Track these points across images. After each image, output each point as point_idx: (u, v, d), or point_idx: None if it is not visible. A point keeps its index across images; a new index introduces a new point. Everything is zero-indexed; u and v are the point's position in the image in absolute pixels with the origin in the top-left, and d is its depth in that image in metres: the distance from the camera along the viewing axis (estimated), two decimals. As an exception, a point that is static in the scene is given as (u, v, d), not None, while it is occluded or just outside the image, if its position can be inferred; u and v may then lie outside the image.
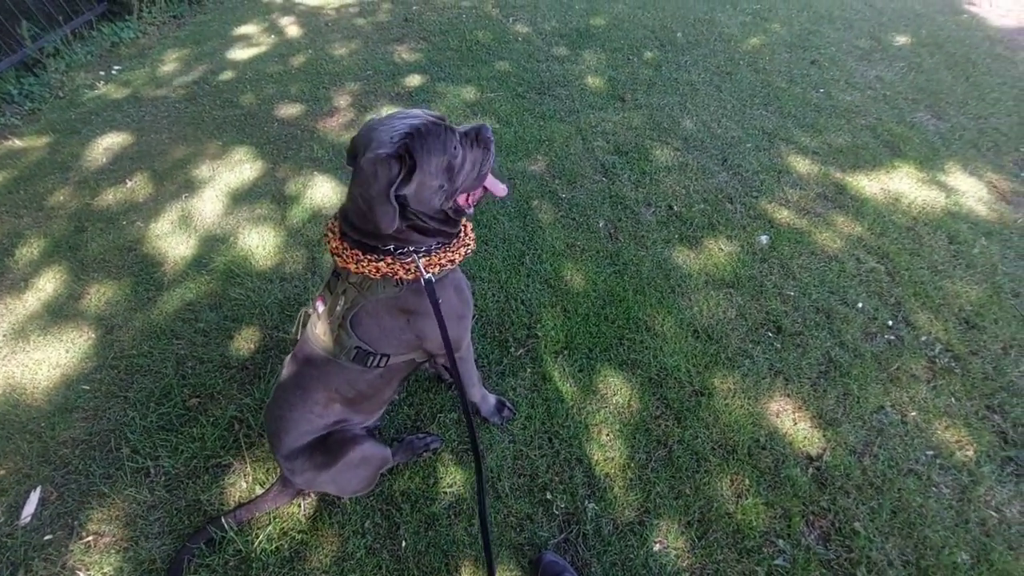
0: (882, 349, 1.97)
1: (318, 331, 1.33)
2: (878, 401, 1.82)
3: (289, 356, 1.48)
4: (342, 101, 3.48)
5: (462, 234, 1.36)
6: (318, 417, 1.40)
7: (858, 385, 1.86)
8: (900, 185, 2.69)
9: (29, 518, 1.62)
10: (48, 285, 2.35)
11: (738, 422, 1.76)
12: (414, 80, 3.66)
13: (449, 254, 1.29)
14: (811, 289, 2.17)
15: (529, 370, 1.93)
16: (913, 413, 1.80)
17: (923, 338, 2.01)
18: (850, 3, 4.48)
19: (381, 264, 1.20)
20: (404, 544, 1.52)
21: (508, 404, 1.80)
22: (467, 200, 1.29)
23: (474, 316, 2.08)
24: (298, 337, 1.44)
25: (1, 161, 3.16)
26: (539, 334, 2.03)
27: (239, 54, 4.21)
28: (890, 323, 2.06)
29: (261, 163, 3.00)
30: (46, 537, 1.57)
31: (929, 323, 2.06)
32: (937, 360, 1.94)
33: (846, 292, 2.17)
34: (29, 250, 2.52)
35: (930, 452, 1.71)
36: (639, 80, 3.49)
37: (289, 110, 3.43)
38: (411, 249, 1.22)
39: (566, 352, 1.97)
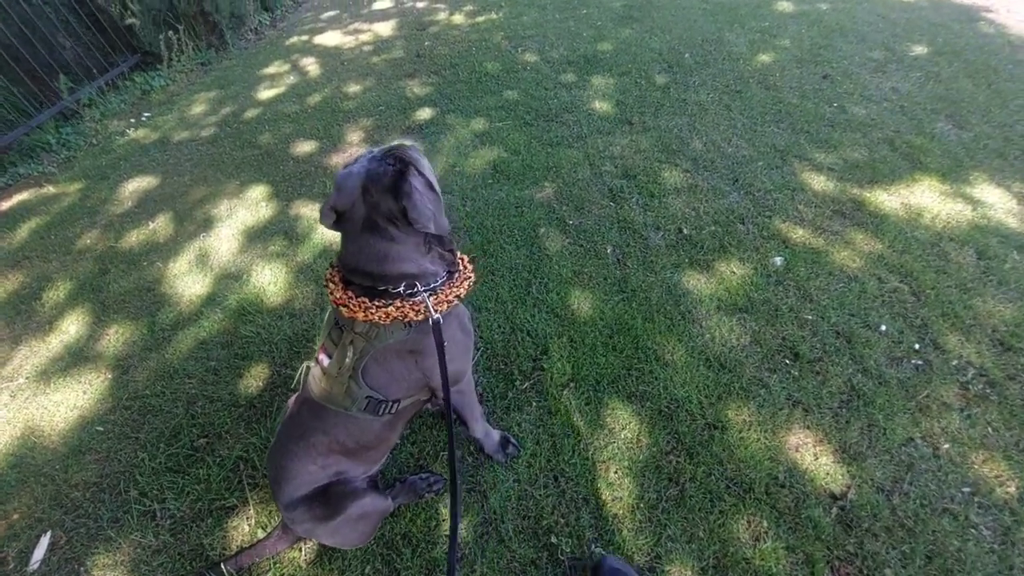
0: (909, 375, 1.86)
1: (323, 384, 1.31)
2: (907, 433, 1.70)
3: (292, 399, 1.48)
4: (354, 137, 3.57)
5: (461, 267, 1.35)
6: (320, 468, 1.37)
7: (884, 415, 1.74)
8: (922, 199, 2.57)
9: (38, 564, 1.63)
10: (71, 327, 2.43)
11: (754, 457, 1.67)
12: (424, 113, 3.73)
13: (455, 289, 1.29)
14: (830, 312, 2.07)
15: (535, 404, 1.88)
16: (946, 445, 1.68)
17: (954, 362, 1.89)
18: (862, 16, 4.41)
19: (391, 308, 1.19)
20: (404, 591, 1.48)
21: (513, 441, 1.76)
22: None
23: (479, 349, 2.06)
24: (298, 389, 1.44)
25: (36, 208, 3.33)
26: (545, 366, 1.98)
27: (261, 95, 4.39)
28: (917, 346, 1.95)
29: (276, 201, 3.07)
30: (54, 583, 1.59)
31: (960, 345, 1.94)
32: (970, 386, 1.82)
33: (868, 314, 2.06)
34: (56, 293, 2.62)
35: (967, 489, 1.58)
36: (647, 103, 3.48)
37: (303, 147, 3.53)
38: (420, 288, 1.22)
39: (573, 385, 1.92)
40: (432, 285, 1.24)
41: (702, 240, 2.43)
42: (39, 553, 1.66)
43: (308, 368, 1.39)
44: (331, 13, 6.31)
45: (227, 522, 1.68)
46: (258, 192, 3.17)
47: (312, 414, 1.35)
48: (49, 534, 1.70)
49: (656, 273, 2.30)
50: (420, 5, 5.95)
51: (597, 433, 1.78)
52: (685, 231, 2.49)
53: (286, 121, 3.88)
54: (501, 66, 4.22)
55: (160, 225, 3.00)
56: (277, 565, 1.56)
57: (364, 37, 5.30)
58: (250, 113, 4.09)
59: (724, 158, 2.92)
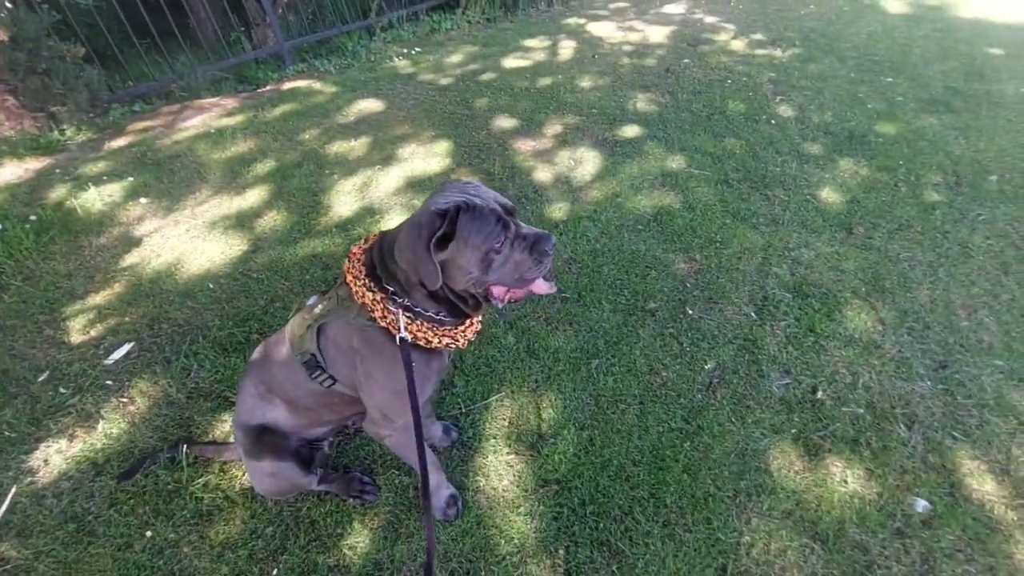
0: None
1: (297, 321, 1.34)
2: None
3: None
4: (549, 130, 3.51)
5: (463, 325, 1.27)
6: (258, 400, 1.43)
7: None
8: None
9: (112, 363, 2.06)
10: (251, 197, 2.94)
11: None
12: (629, 131, 3.47)
13: (430, 333, 1.22)
14: (954, 624, 1.36)
15: (507, 482, 1.66)
16: None
17: None
18: None
19: (370, 294, 1.18)
20: (275, 573, 1.47)
21: (460, 504, 1.58)
22: (503, 294, 1.22)
23: (491, 399, 1.88)
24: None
25: (299, 96, 4.08)
26: (544, 452, 1.72)
27: (506, 62, 4.61)
28: None
29: (449, 161, 3.23)
30: (107, 382, 1.98)
31: None
32: None
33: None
34: (261, 167, 3.20)
35: None
36: (891, 216, 2.66)
37: (502, 123, 3.61)
38: (403, 301, 1.18)
39: (557, 488, 1.63)
40: (417, 309, 1.19)
41: (835, 418, 1.80)
42: (117, 355, 2.09)
43: (301, 304, 1.42)
44: (621, 4, 6.27)
45: (220, 414, 1.87)
46: (442, 147, 3.36)
47: (277, 344, 1.39)
48: (130, 345, 2.12)
49: (744, 425, 1.79)
50: (709, 20, 5.51)
51: (541, 558, 1.49)
52: (820, 395, 1.87)
53: (507, 94, 4.00)
54: (745, 109, 3.68)
55: (358, 144, 3.41)
56: (222, 473, 1.69)
57: (632, 36, 5.14)
58: (486, 76, 4.32)
59: (948, 330, 2.09)
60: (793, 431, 1.77)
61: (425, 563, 1.05)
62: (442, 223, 1.07)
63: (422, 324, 1.20)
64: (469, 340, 1.30)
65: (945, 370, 1.94)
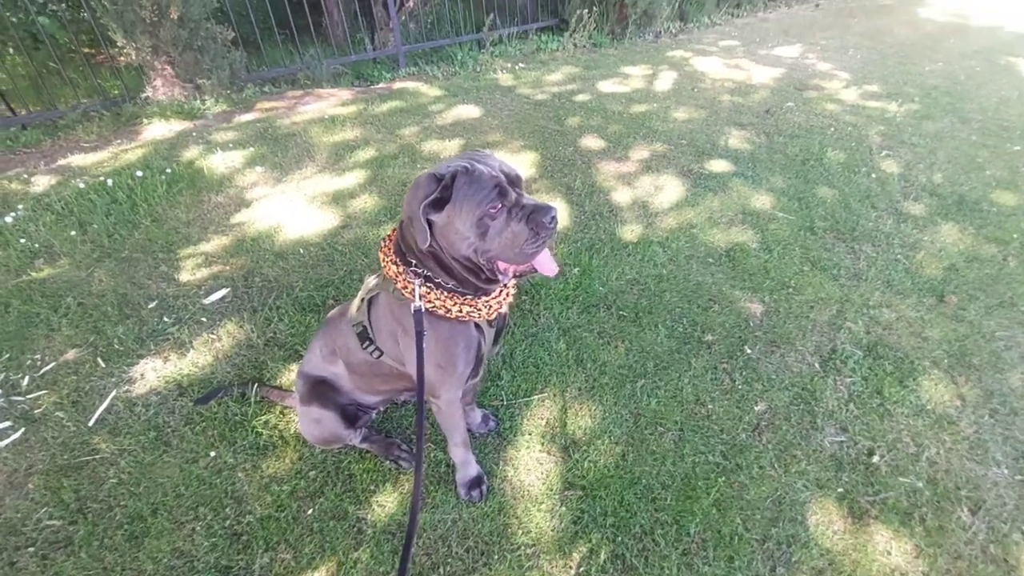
0: None
1: (358, 295, 1.48)
2: None
3: None
4: (635, 155, 3.55)
5: (487, 297, 1.31)
6: (321, 359, 1.58)
7: None
8: None
9: (209, 303, 2.33)
10: (349, 180, 3.21)
11: None
12: (716, 166, 3.44)
13: (450, 302, 1.27)
14: None
15: (533, 477, 1.70)
16: None
17: None
18: None
19: (393, 267, 1.27)
20: (310, 512, 1.60)
21: (484, 488, 1.65)
22: (508, 269, 1.25)
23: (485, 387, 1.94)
24: None
25: (405, 95, 4.39)
26: (575, 456, 1.75)
27: (602, 87, 4.71)
28: None
29: (532, 171, 3.35)
30: (202, 319, 2.25)
31: None
32: None
33: None
34: (362, 154, 3.48)
35: None
36: (992, 290, 2.46)
37: (590, 143, 3.70)
38: (421, 271, 1.25)
39: (580, 493, 1.65)
40: (437, 280, 1.25)
41: (889, 486, 1.69)
42: (214, 297, 2.35)
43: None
44: (731, 43, 6.21)
45: (289, 364, 2.06)
46: (527, 158, 3.49)
47: (343, 312, 1.54)
48: (226, 291, 2.39)
49: (786, 473, 1.72)
50: (822, 66, 5.33)
51: (553, 555, 1.52)
52: (876, 459, 1.76)
53: (599, 115, 4.09)
54: (845, 159, 3.53)
55: (451, 145, 3.62)
56: (283, 416, 1.86)
57: (736, 75, 5.07)
58: (581, 97, 4.44)
59: (1041, 421, 1.90)
60: (839, 490, 1.68)
61: (410, 511, 1.10)
62: (438, 185, 1.12)
63: (440, 293, 1.24)
64: (498, 312, 1.34)
65: (1028, 462, 1.77)
